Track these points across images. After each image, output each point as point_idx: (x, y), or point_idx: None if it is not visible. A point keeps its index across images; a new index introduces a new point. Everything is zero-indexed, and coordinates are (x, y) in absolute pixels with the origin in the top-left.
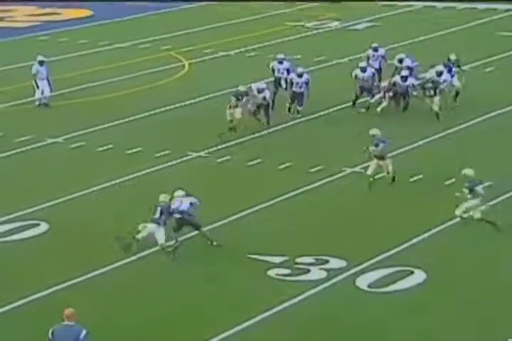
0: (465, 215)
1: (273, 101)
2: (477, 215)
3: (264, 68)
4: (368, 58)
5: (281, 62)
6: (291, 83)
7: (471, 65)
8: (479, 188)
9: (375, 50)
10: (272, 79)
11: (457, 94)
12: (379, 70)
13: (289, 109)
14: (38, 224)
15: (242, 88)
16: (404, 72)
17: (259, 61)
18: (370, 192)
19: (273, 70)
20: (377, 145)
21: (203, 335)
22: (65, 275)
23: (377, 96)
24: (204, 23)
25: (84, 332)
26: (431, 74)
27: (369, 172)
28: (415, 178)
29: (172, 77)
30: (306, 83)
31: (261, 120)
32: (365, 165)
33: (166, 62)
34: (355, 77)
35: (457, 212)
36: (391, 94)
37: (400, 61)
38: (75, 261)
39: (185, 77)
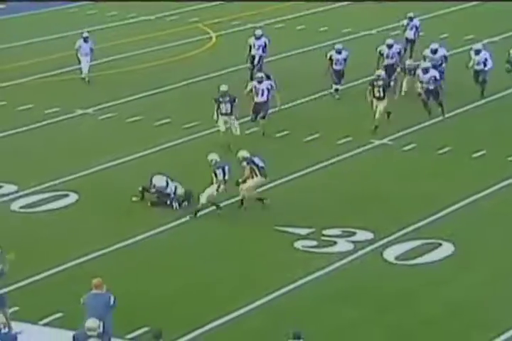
0: None
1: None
2: None
3: (291, 40)
4: (405, 28)
5: (258, 38)
6: (331, 60)
7: (498, 37)
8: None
9: (411, 19)
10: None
11: None
12: (413, 41)
13: (336, 90)
14: (68, 195)
15: (224, 88)
16: (425, 64)
17: (286, 33)
18: (398, 164)
19: (250, 46)
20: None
21: (230, 306)
22: (93, 245)
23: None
24: None
25: (112, 298)
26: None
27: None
28: (443, 150)
29: (200, 48)
30: (345, 60)
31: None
32: (395, 136)
33: (194, 34)
34: (380, 53)
35: None
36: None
37: (434, 52)
38: (103, 231)
39: (213, 49)
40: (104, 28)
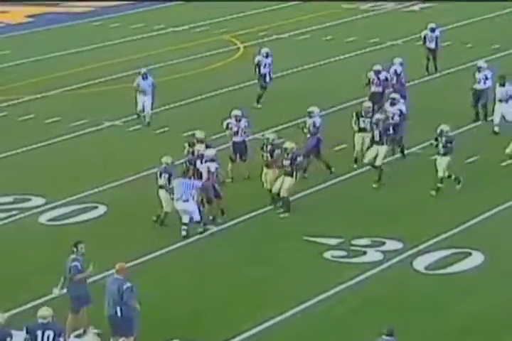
0: None
1: (260, 96)
2: None
3: (316, 51)
4: (425, 39)
5: (266, 57)
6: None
7: None
8: None
9: (433, 30)
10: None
11: None
12: (434, 50)
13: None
14: (96, 207)
15: (199, 134)
16: (394, 95)
17: (312, 44)
18: (427, 173)
19: (258, 65)
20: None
21: (260, 317)
22: (122, 258)
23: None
24: (258, 6)
25: (126, 285)
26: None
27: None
28: (471, 160)
29: (227, 59)
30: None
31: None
32: (423, 145)
33: (221, 45)
34: (369, 81)
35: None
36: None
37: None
38: (132, 243)
39: (241, 60)
40: (129, 41)
